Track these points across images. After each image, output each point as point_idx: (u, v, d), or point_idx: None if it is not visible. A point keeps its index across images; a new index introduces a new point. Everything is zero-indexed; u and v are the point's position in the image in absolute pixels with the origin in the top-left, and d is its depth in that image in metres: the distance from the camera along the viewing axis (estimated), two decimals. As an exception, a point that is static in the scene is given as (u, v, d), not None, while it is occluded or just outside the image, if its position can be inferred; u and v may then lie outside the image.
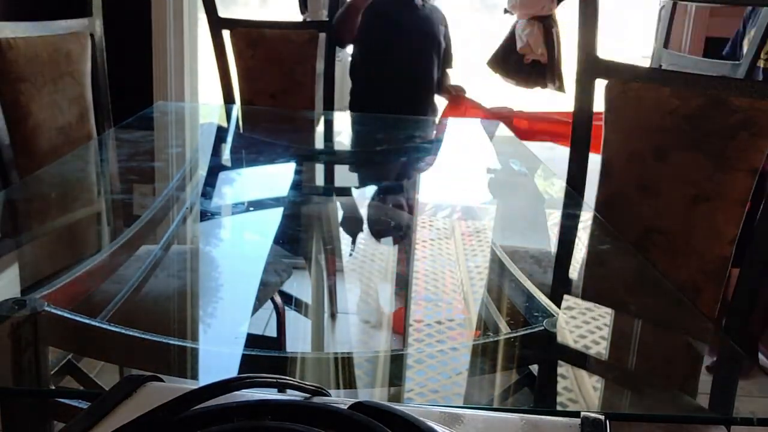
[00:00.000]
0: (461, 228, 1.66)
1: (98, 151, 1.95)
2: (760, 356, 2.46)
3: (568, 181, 1.65)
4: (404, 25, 2.62)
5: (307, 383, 0.54)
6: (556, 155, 2.80)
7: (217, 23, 2.51)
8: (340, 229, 1.66)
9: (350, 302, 2.07)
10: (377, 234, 1.66)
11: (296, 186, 1.80)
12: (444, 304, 1.37)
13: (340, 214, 1.75)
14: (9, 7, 2.51)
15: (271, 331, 1.73)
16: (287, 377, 0.53)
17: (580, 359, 1.02)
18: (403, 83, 2.64)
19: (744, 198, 1.35)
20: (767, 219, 1.31)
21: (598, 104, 1.58)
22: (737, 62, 2.13)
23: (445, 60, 2.77)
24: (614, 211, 1.52)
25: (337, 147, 2.32)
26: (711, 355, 1.16)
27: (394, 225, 1.66)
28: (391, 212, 1.75)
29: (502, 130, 2.50)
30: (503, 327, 1.09)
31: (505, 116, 2.86)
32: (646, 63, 2.69)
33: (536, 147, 2.61)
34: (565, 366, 1.02)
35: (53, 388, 1.34)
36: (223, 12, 2.51)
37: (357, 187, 1.94)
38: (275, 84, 2.57)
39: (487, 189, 2.02)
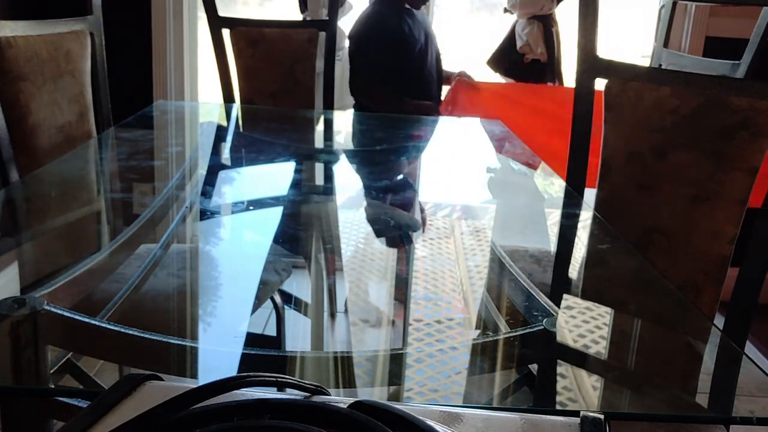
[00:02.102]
0: (461, 227, 1.66)
1: (98, 149, 1.95)
2: (756, 351, 2.46)
3: (568, 181, 1.65)
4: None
5: (306, 382, 0.54)
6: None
7: (216, 22, 2.51)
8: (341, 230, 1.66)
9: (350, 301, 2.06)
10: (377, 233, 1.66)
11: (296, 185, 1.80)
12: (444, 303, 1.37)
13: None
14: (9, 6, 2.51)
15: (271, 330, 1.73)
16: (287, 376, 0.53)
17: (579, 358, 1.02)
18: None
19: (744, 198, 1.35)
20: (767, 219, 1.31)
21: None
22: (737, 62, 2.13)
23: None
24: (614, 211, 1.52)
25: (336, 146, 2.31)
26: None
27: (393, 224, 1.66)
28: (391, 211, 1.75)
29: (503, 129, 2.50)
30: (503, 326, 1.09)
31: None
32: (646, 62, 2.70)
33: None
34: (565, 365, 1.02)
35: (53, 386, 1.34)
36: (223, 11, 2.51)
37: (357, 186, 1.93)
38: (275, 83, 2.57)
39: (487, 188, 2.02)
